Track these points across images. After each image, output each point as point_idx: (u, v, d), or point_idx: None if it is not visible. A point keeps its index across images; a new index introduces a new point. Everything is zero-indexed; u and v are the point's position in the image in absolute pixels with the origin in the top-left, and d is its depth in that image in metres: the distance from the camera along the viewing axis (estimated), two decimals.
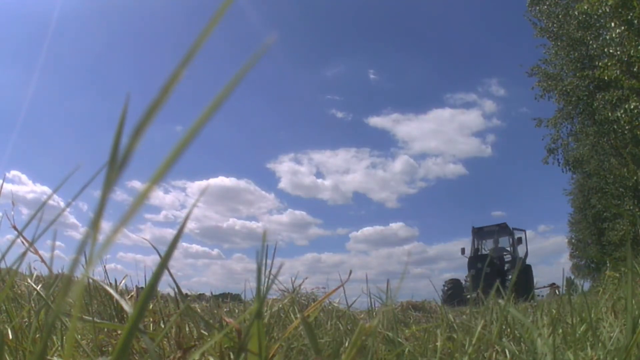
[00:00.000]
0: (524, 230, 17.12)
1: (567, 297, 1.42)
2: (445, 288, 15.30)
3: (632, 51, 12.19)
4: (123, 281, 1.45)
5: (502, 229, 17.12)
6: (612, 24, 12.89)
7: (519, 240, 16.70)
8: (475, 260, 16.43)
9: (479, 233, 17.65)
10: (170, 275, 0.80)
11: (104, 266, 1.39)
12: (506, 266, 16.53)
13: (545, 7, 16.91)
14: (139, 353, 0.88)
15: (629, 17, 12.35)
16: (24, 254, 0.54)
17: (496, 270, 15.39)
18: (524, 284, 12.53)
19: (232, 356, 0.77)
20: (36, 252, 1.06)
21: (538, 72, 18.04)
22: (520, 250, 17.27)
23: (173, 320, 0.83)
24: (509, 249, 17.17)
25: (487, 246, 17.69)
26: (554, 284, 13.55)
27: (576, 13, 14.87)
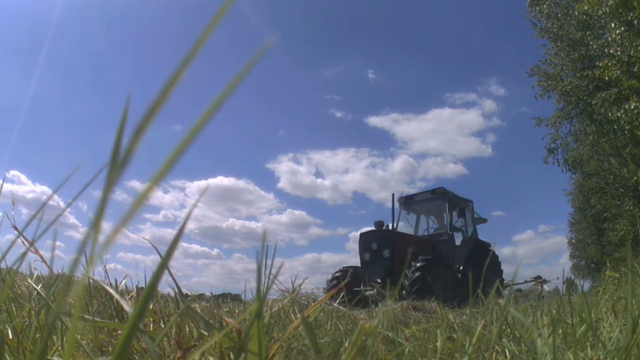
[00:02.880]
0: (470, 201, 12.11)
1: (567, 297, 1.42)
2: (330, 278, 10.19)
3: (632, 52, 12.19)
4: (123, 281, 1.45)
5: (440, 195, 11.53)
6: (612, 25, 12.90)
7: (461, 211, 11.52)
8: (370, 238, 10.42)
9: (408, 204, 12.09)
10: (171, 275, 0.80)
11: (104, 266, 1.39)
12: (450, 249, 11.42)
13: (545, 7, 16.91)
14: (139, 353, 0.88)
15: (629, 17, 12.35)
16: (24, 254, 0.54)
17: (409, 254, 9.32)
18: (477, 275, 9.73)
19: (232, 356, 0.77)
20: (37, 252, 1.06)
21: (538, 72, 18.05)
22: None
23: (173, 320, 0.83)
24: (459, 225, 11.99)
25: (423, 223, 12.60)
26: (539, 277, 11.85)
27: (576, 13, 14.87)
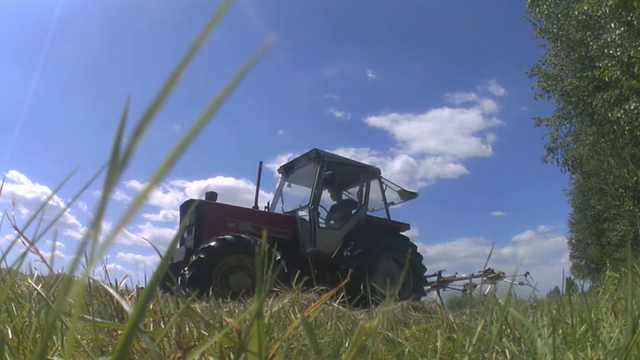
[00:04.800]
0: (368, 168, 9.35)
1: (567, 297, 1.42)
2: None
3: (632, 52, 12.19)
4: (123, 281, 1.45)
5: (313, 160, 8.79)
6: (612, 25, 12.90)
7: (346, 180, 9.45)
8: (182, 214, 7.91)
9: (288, 174, 9.57)
10: (170, 275, 0.80)
11: (104, 266, 1.39)
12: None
13: (545, 7, 16.92)
14: (139, 353, 0.88)
15: (629, 17, 12.36)
16: (24, 254, 0.54)
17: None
18: (358, 264, 7.33)
19: (232, 356, 0.78)
20: (37, 252, 1.06)
21: (538, 72, 18.06)
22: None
23: (173, 320, 0.83)
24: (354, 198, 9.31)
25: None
26: (490, 270, 9.46)
27: (576, 13, 14.88)
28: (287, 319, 1.31)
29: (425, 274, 9.12)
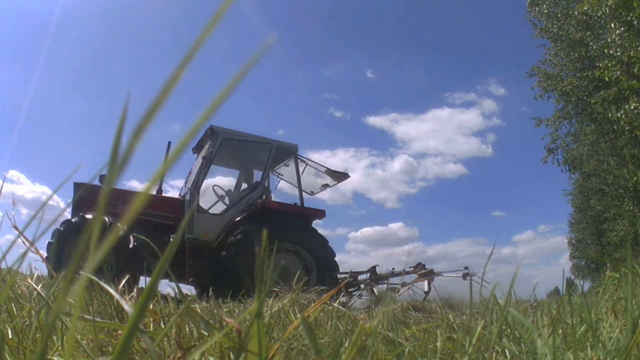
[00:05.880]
0: (273, 142, 8.09)
1: (567, 297, 1.42)
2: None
3: (632, 52, 12.19)
4: (123, 281, 1.45)
5: (208, 137, 7.79)
6: (612, 25, 12.91)
7: (249, 162, 8.33)
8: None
9: (198, 153, 8.39)
10: (170, 275, 0.80)
11: (104, 266, 1.39)
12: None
13: (545, 7, 16.92)
14: (139, 353, 0.88)
15: (629, 18, 12.36)
16: (24, 254, 0.54)
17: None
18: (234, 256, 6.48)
19: (232, 356, 0.77)
20: (37, 252, 1.06)
21: (538, 72, 18.06)
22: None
23: (173, 320, 0.83)
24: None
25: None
26: (421, 265, 8.29)
27: (576, 13, 14.88)
28: (287, 319, 1.31)
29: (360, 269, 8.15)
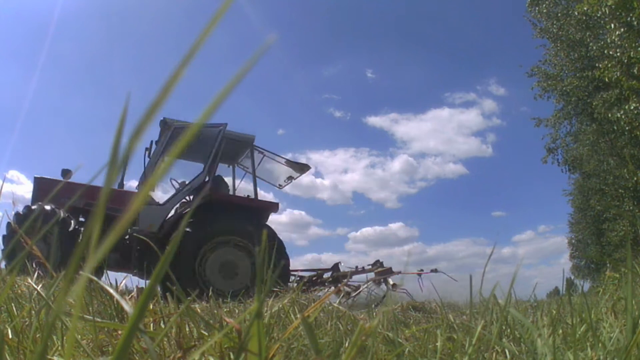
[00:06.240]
0: (223, 126, 7.50)
1: (567, 297, 1.42)
2: None
3: (632, 53, 12.19)
4: (123, 281, 1.45)
5: (162, 128, 7.48)
6: (612, 26, 12.90)
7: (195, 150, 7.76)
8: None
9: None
10: (170, 275, 0.80)
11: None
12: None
13: (545, 7, 16.92)
14: (139, 353, 0.88)
15: (629, 18, 12.36)
16: (24, 254, 0.54)
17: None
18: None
19: (232, 356, 0.78)
20: (37, 252, 1.06)
21: (538, 72, 18.06)
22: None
23: (173, 320, 0.83)
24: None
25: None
26: (379, 263, 7.92)
27: (576, 13, 14.88)
28: (287, 319, 1.31)
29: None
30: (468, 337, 1.07)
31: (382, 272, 7.80)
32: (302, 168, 8.62)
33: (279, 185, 8.71)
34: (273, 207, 7.75)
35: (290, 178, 8.70)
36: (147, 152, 7.60)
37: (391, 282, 7.59)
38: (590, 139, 17.37)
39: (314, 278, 8.12)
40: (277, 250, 6.83)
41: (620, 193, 16.82)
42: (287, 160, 8.51)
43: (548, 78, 17.58)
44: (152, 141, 7.55)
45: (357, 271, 8.17)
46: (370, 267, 8.16)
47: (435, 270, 7.87)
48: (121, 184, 7.57)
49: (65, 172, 7.36)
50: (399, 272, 7.76)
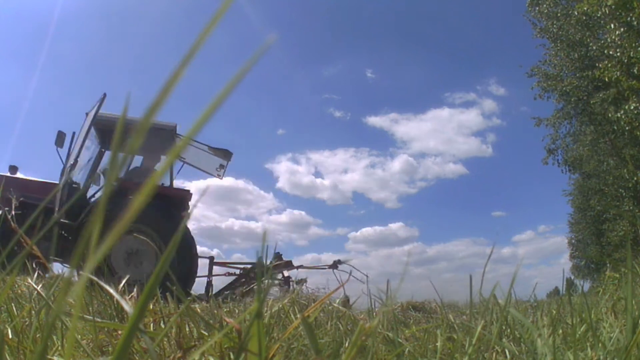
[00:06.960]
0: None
1: (567, 297, 1.42)
2: None
3: (631, 52, 12.20)
4: (124, 281, 1.45)
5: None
6: (612, 26, 12.91)
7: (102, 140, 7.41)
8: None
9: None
10: (170, 275, 0.80)
11: (105, 266, 1.39)
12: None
13: (545, 7, 16.92)
14: (139, 353, 0.88)
15: (629, 18, 12.36)
16: (24, 254, 0.54)
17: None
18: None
19: (232, 356, 0.77)
20: (37, 252, 1.06)
21: (538, 72, 18.07)
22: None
23: (173, 320, 0.83)
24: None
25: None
26: (277, 253, 7.60)
27: (576, 13, 14.88)
28: (287, 319, 1.31)
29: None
30: (468, 337, 1.07)
31: (279, 265, 7.65)
32: (224, 154, 8.43)
33: (218, 175, 8.48)
34: (184, 193, 7.54)
35: (221, 167, 8.48)
36: (57, 142, 7.24)
37: (286, 274, 7.48)
38: (590, 139, 17.38)
39: (241, 275, 7.95)
40: (183, 245, 6.74)
41: (620, 193, 16.83)
42: (209, 147, 8.27)
43: (548, 78, 17.58)
44: (73, 133, 7.28)
45: (280, 263, 7.84)
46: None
47: (338, 261, 7.67)
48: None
49: (11, 168, 7.53)
50: (301, 267, 7.80)
